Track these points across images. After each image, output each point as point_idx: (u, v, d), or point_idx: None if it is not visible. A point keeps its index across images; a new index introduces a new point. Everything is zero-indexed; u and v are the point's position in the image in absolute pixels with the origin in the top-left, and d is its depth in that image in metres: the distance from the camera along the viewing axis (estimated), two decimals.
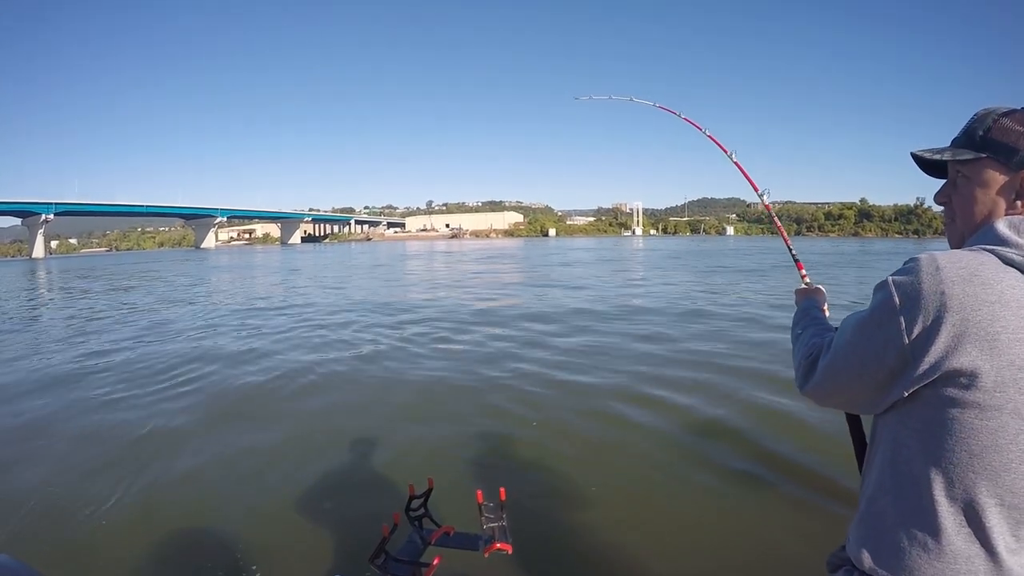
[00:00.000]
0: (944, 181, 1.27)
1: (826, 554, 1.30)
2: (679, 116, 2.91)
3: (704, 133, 2.66)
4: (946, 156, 1.21)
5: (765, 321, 10.75)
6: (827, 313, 1.64)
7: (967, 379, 0.99)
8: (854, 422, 1.52)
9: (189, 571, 3.16)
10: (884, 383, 1.09)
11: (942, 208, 1.28)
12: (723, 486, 4.02)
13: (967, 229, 1.19)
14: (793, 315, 1.61)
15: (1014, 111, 1.16)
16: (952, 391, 1.01)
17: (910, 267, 1.05)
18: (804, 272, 1.94)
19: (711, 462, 4.40)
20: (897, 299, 1.04)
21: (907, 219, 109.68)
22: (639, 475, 4.23)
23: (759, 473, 4.18)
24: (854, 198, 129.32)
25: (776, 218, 2.33)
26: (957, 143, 1.22)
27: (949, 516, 1.04)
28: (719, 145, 2.52)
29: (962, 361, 0.98)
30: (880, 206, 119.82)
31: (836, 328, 1.37)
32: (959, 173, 1.21)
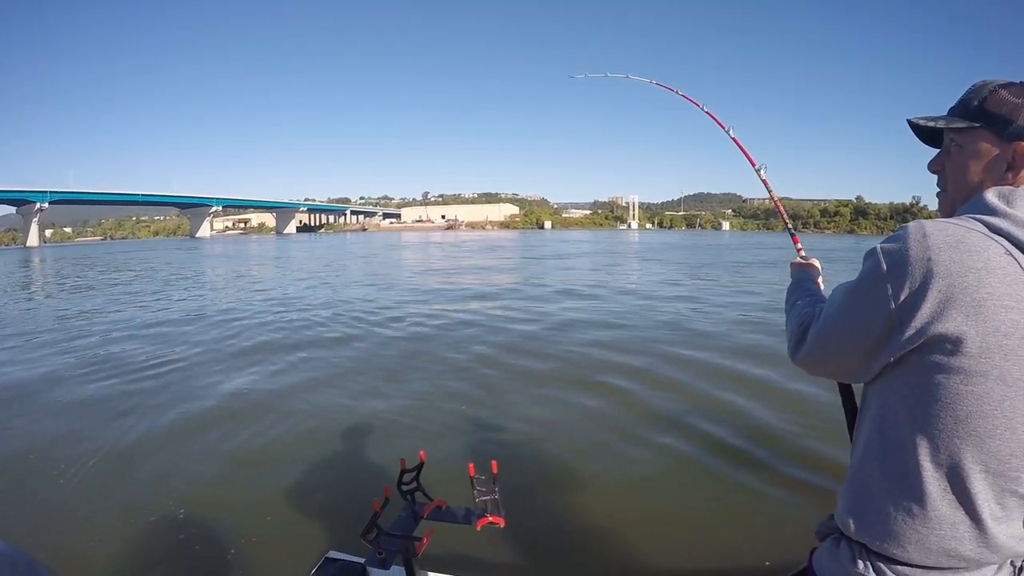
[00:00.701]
0: (939, 150, 1.28)
1: (814, 527, 1.32)
2: (677, 93, 2.89)
3: (702, 109, 2.66)
4: (940, 124, 1.22)
5: (757, 304, 10.93)
6: (822, 287, 1.65)
7: (952, 345, 1.00)
8: (846, 391, 1.54)
9: (183, 556, 3.16)
10: (872, 349, 1.10)
11: (936, 177, 1.28)
12: (715, 462, 4.06)
13: (958, 197, 1.21)
14: (787, 287, 1.62)
15: (1012, 84, 1.16)
16: (938, 357, 1.02)
17: (898, 235, 1.06)
18: (800, 246, 1.95)
19: (703, 438, 4.44)
20: (884, 265, 1.05)
21: (903, 217, 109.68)
22: (631, 450, 4.27)
23: (752, 450, 4.22)
24: (850, 196, 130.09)
25: (772, 192, 2.31)
26: (953, 112, 1.23)
27: (934, 482, 1.04)
28: (717, 121, 2.52)
29: (948, 327, 0.99)
30: (876, 204, 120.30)
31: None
32: (953, 142, 1.22)
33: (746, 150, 2.41)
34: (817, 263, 1.77)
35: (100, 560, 3.13)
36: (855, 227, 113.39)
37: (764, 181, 2.28)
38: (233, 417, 5.29)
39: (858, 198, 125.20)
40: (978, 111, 1.17)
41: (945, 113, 1.26)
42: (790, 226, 2.12)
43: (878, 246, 1.08)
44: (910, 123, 1.29)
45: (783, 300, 1.59)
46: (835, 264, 21.68)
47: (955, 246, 1.00)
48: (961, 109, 1.21)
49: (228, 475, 4.11)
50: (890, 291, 1.04)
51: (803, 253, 1.88)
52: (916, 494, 1.06)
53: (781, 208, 2.28)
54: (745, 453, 4.18)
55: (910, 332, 1.03)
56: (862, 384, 1.23)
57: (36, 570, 0.86)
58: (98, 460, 4.44)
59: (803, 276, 1.65)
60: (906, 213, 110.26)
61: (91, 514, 3.62)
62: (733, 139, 2.43)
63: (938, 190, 1.28)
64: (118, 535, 3.36)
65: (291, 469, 4.07)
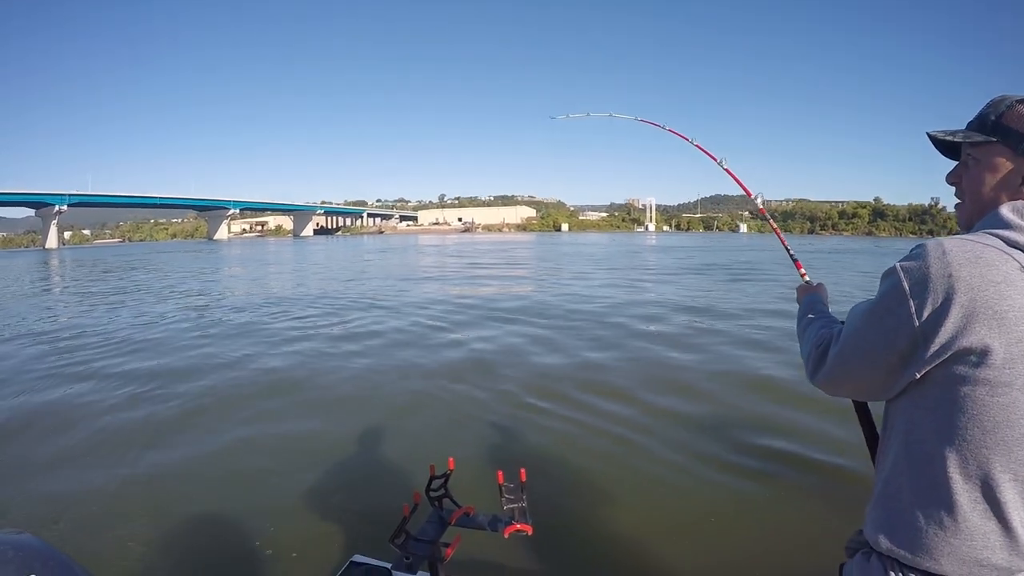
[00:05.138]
0: (957, 162, 1.30)
1: (842, 539, 1.33)
2: (664, 128, 2.86)
3: (692, 143, 2.62)
4: (959, 138, 1.24)
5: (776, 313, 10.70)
6: (830, 309, 1.64)
7: (977, 357, 1.01)
8: (861, 408, 1.53)
9: (212, 554, 3.19)
10: (896, 367, 1.12)
11: (954, 189, 1.30)
12: (741, 472, 4.04)
13: (975, 210, 1.23)
14: (797, 312, 1.63)
15: None
16: (963, 369, 1.03)
17: (917, 252, 1.08)
18: (803, 270, 1.95)
19: (730, 448, 4.42)
20: (906, 284, 1.07)
21: (921, 219, 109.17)
22: (660, 460, 4.26)
23: (778, 459, 4.21)
24: (868, 197, 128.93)
25: (771, 220, 2.35)
26: (971, 126, 1.24)
27: (964, 493, 1.05)
28: (708, 154, 2.49)
29: (972, 340, 1.01)
30: (894, 205, 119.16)
31: (844, 321, 1.38)
32: (970, 155, 1.23)
33: (741, 180, 2.39)
34: (824, 286, 1.76)
35: (127, 559, 3.14)
36: (873, 229, 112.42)
37: (761, 210, 2.32)
38: (261, 419, 5.31)
39: (876, 199, 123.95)
40: (995, 126, 1.18)
41: (964, 127, 1.27)
42: (792, 252, 2.11)
43: (897, 264, 1.11)
44: (930, 136, 1.31)
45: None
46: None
47: (975, 261, 1.02)
48: (979, 124, 1.22)
49: (255, 476, 4.11)
50: (913, 308, 1.05)
51: (807, 277, 1.87)
52: (947, 506, 1.06)
53: (781, 235, 2.26)
54: (772, 462, 4.15)
55: (935, 348, 1.04)
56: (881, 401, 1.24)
57: (71, 568, 0.86)
58: (125, 458, 4.48)
59: (813, 299, 1.64)
60: (924, 215, 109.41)
61: (118, 512, 3.63)
62: (727, 170, 2.40)
63: (957, 201, 1.30)
64: (145, 534, 3.37)
65: (319, 472, 4.08)
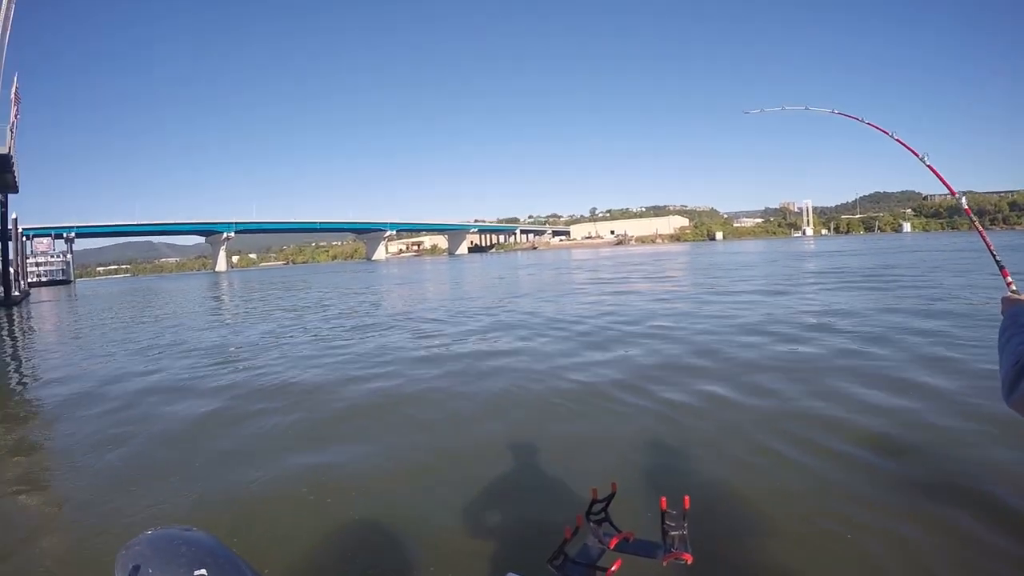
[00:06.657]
0: None
1: None
2: (862, 121, 2.76)
3: (892, 137, 2.52)
4: None
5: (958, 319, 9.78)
6: None
7: None
8: None
9: (363, 563, 3.28)
10: None
11: None
12: (923, 507, 3.59)
13: None
14: (1000, 324, 1.48)
15: None
16: None
17: None
18: (1010, 279, 1.77)
19: (912, 483, 3.97)
20: None
21: None
22: (828, 494, 3.85)
23: (956, 496, 3.68)
24: None
25: (976, 222, 2.09)
26: None
27: None
28: (910, 149, 2.39)
29: None
30: None
31: None
32: None
33: (943, 177, 2.27)
34: None
35: (288, 555, 3.32)
36: None
37: (967, 210, 2.12)
38: (423, 431, 5.51)
39: None
40: None
41: None
42: (999, 259, 1.93)
43: None
44: None
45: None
46: None
47: None
48: None
49: (418, 485, 4.23)
50: None
51: (1014, 287, 1.69)
52: None
53: (989, 241, 1.97)
54: (953, 501, 3.62)
55: None
56: None
57: (238, 565, 0.91)
58: (291, 459, 4.80)
59: (1018, 310, 1.48)
60: None
61: (283, 510, 3.90)
62: (929, 167, 2.28)
63: None
64: (308, 533, 3.57)
65: (479, 487, 4.13)
